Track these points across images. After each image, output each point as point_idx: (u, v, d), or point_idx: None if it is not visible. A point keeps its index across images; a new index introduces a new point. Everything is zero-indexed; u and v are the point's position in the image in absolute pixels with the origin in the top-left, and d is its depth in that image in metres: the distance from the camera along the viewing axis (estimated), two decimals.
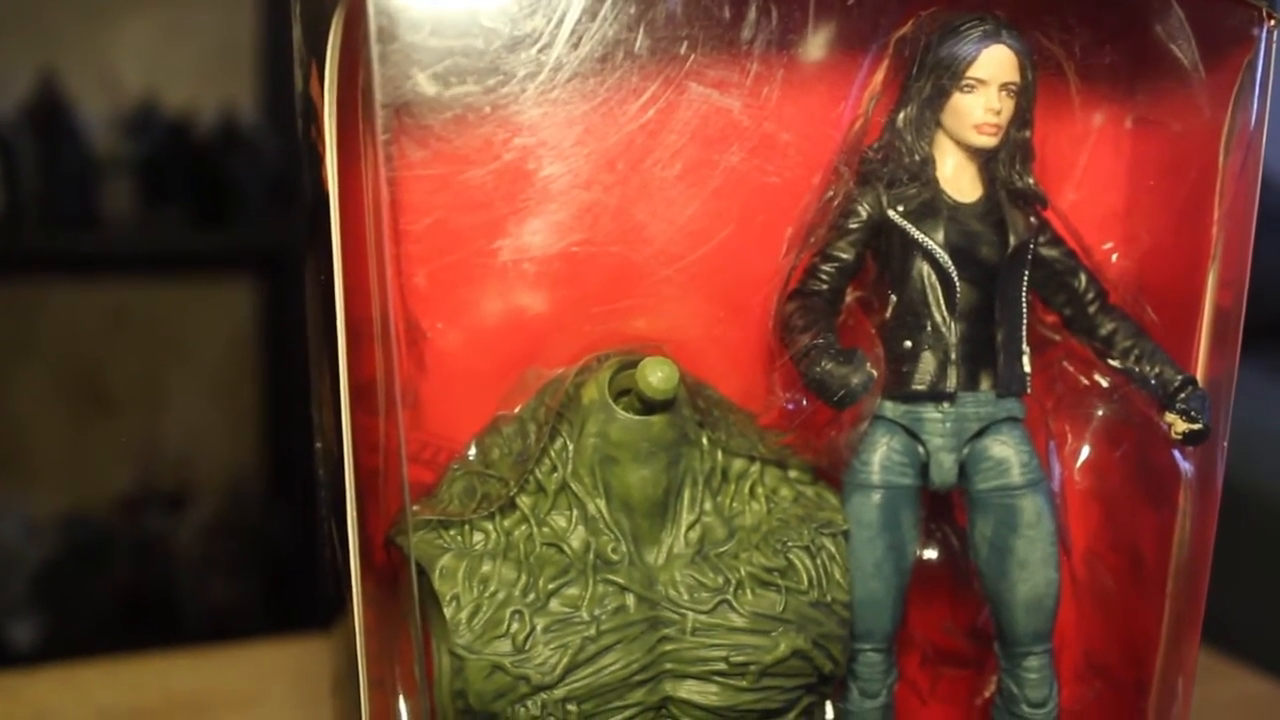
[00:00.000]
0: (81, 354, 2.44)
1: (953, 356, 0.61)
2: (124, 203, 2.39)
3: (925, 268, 0.61)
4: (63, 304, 2.42)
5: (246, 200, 2.39)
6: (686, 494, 0.59)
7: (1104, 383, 0.66)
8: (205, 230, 2.40)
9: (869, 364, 0.58)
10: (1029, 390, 0.63)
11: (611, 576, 0.57)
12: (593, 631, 0.56)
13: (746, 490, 0.61)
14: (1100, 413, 0.66)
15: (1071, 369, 0.66)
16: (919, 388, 0.61)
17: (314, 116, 0.56)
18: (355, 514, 0.57)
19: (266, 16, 2.46)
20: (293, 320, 2.37)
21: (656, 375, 0.56)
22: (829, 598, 0.60)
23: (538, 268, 0.57)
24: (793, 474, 0.62)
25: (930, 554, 0.66)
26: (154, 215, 2.40)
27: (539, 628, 0.56)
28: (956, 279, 0.61)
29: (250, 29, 2.47)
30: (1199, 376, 0.64)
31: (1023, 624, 0.63)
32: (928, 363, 0.61)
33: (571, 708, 0.56)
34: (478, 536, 0.58)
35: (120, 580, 2.35)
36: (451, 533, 0.58)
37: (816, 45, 0.58)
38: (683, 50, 0.55)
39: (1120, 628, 0.70)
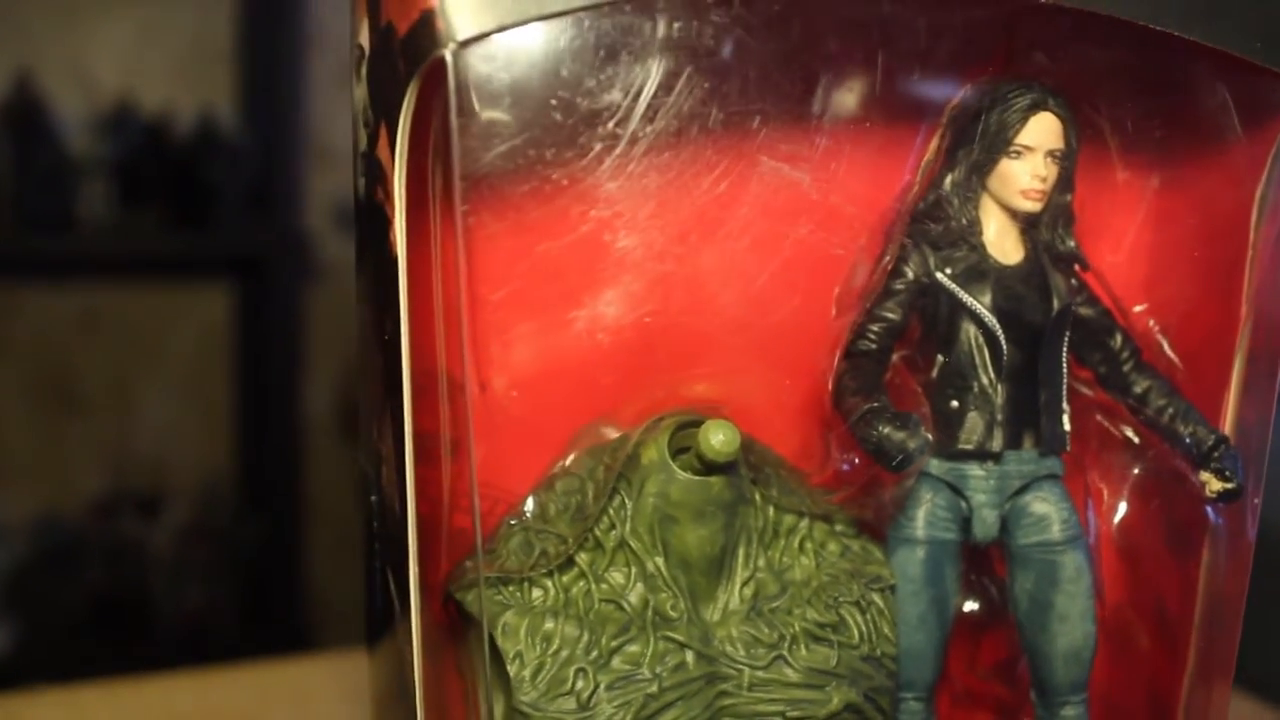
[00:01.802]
0: (54, 356, 2.42)
1: (999, 418, 0.63)
2: (99, 204, 2.38)
3: (973, 330, 0.63)
4: (35, 306, 2.40)
5: (222, 203, 2.38)
6: (741, 551, 0.61)
7: (1136, 439, 0.67)
8: (180, 233, 2.39)
9: (924, 428, 0.59)
10: (1068, 449, 0.65)
11: (671, 634, 0.58)
12: (655, 689, 0.57)
13: (796, 545, 0.62)
14: (1135, 470, 0.68)
15: (1107, 424, 0.67)
16: (966, 447, 0.63)
17: (380, 179, 0.56)
18: (417, 571, 0.58)
19: (244, 18, 2.45)
20: (267, 324, 2.36)
21: (718, 438, 0.57)
22: (878, 651, 0.61)
23: (611, 338, 0.58)
24: (839, 528, 0.64)
25: (971, 605, 0.67)
26: (129, 217, 2.38)
27: (602, 685, 0.57)
28: (1004, 341, 0.62)
29: (227, 30, 2.46)
30: (1229, 433, 0.66)
31: (1061, 675, 0.65)
32: (974, 423, 0.63)
33: None
34: (536, 593, 0.59)
35: (93, 584, 2.33)
36: (510, 589, 0.59)
37: (880, 118, 0.59)
38: (754, 124, 0.56)
39: (1144, 680, 0.72)
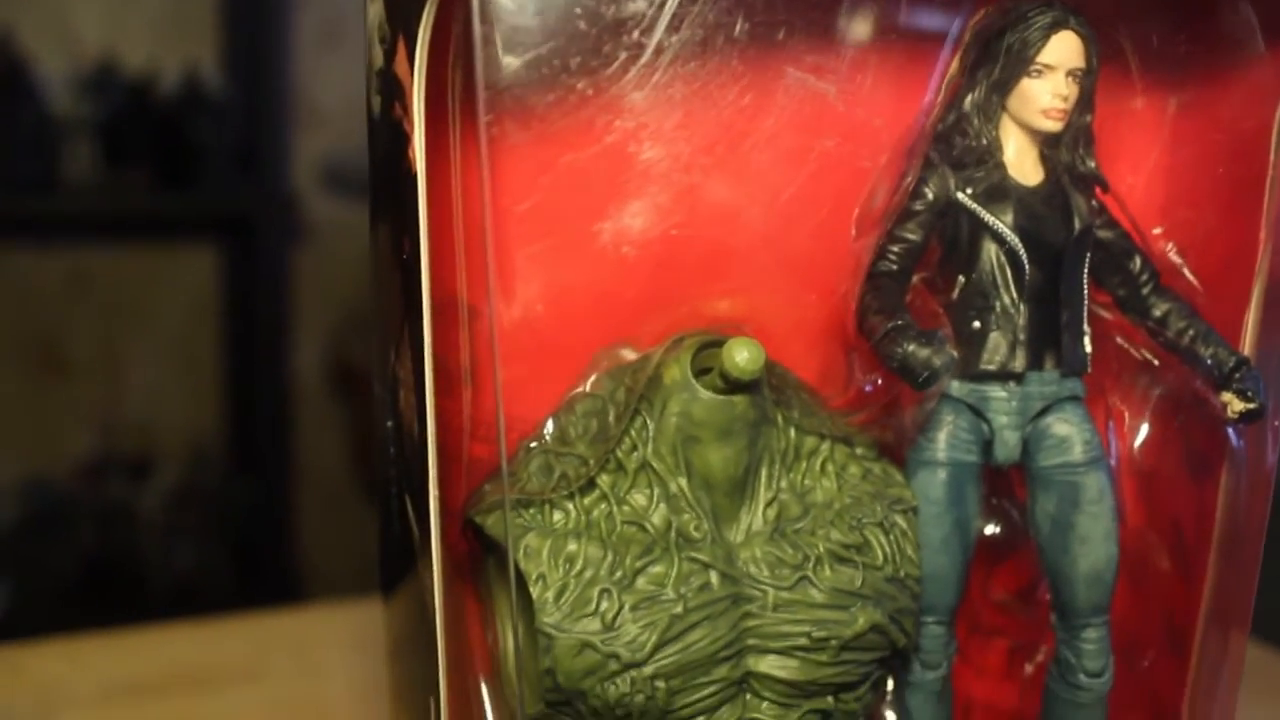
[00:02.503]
0: (41, 319, 2.40)
1: (1021, 338, 0.62)
2: (83, 165, 2.35)
3: (994, 249, 0.62)
4: (21, 268, 2.38)
5: (208, 163, 2.36)
6: (764, 471, 0.60)
7: (1156, 362, 0.67)
8: (166, 193, 2.37)
9: (949, 345, 0.59)
10: (1089, 370, 0.64)
11: (695, 554, 0.58)
12: (680, 609, 0.57)
13: (818, 467, 0.62)
14: (1155, 394, 0.68)
15: (1127, 347, 0.67)
16: (988, 368, 0.62)
17: (398, 94, 0.55)
18: (437, 494, 0.57)
19: None
20: (255, 285, 2.35)
21: (743, 355, 0.56)
22: (902, 573, 0.61)
23: (637, 251, 0.57)
24: (859, 451, 0.63)
25: (991, 529, 0.67)
26: (114, 178, 2.36)
27: (627, 606, 0.56)
28: (1026, 261, 0.62)
29: None
30: (1249, 355, 0.66)
31: (1083, 597, 0.65)
32: (997, 343, 0.62)
33: (660, 684, 0.56)
34: (557, 516, 0.59)
35: (83, 547, 2.32)
36: (531, 511, 0.59)
37: (908, 32, 0.58)
38: (780, 35, 0.56)
39: (1160, 612, 0.72)
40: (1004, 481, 0.67)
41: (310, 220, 2.46)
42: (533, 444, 0.61)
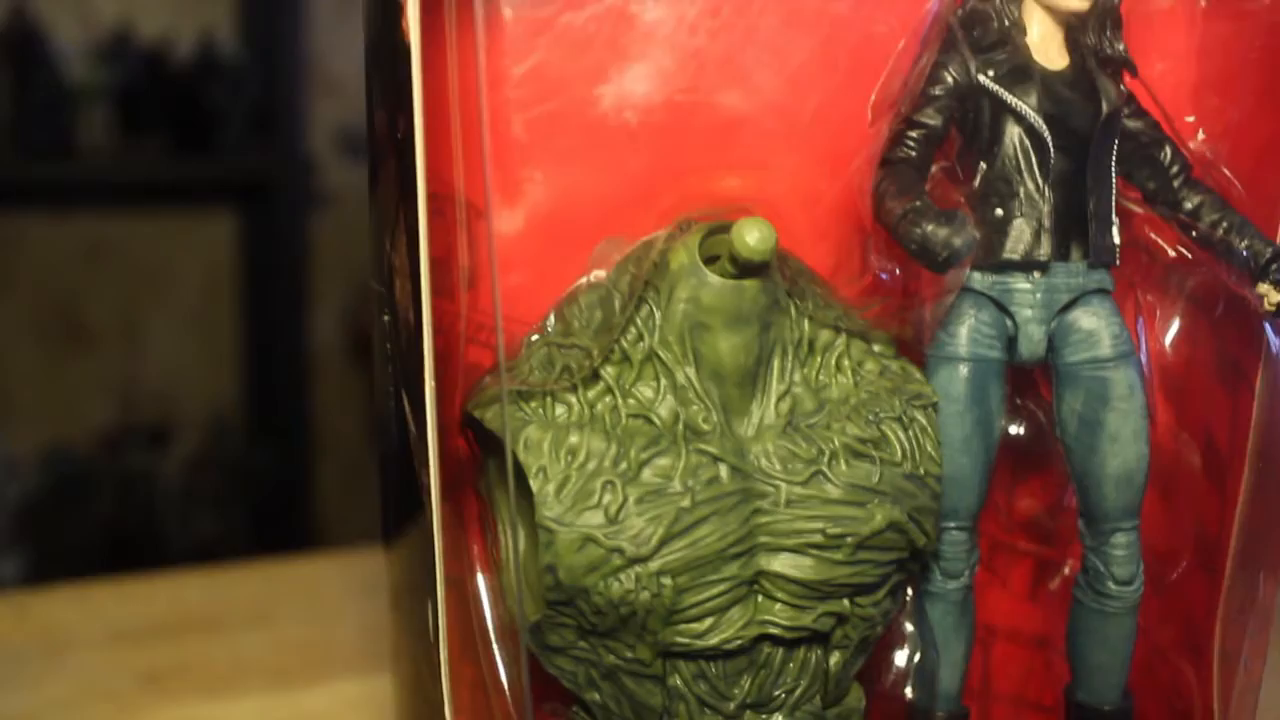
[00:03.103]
0: (59, 287, 2.39)
1: (1046, 225, 0.59)
2: (100, 132, 2.34)
3: (1017, 133, 0.59)
4: (40, 238, 2.37)
5: (225, 129, 2.35)
6: (776, 363, 0.57)
7: (1189, 255, 0.64)
8: (183, 159, 2.35)
9: (970, 225, 0.56)
10: (1118, 262, 0.61)
11: (703, 446, 0.55)
12: (687, 503, 0.54)
13: (833, 363, 0.59)
14: (1186, 291, 0.65)
15: (1158, 240, 0.64)
16: (1011, 256, 0.60)
17: None
18: (433, 385, 0.54)
19: None
20: (272, 251, 2.34)
21: (754, 235, 0.53)
22: (922, 470, 0.58)
23: (640, 116, 0.54)
24: (877, 348, 0.61)
25: (1016, 429, 0.64)
26: (131, 144, 2.35)
27: (631, 499, 0.54)
28: (1051, 145, 0.59)
29: None
30: None
31: (1112, 499, 0.62)
32: (1020, 230, 0.60)
33: (666, 581, 0.54)
34: (560, 409, 0.56)
35: (103, 515, 2.31)
36: (533, 404, 0.56)
37: None
38: None
39: (1191, 518, 0.69)
40: (1029, 382, 0.64)
41: (328, 187, 2.45)
42: (534, 337, 0.58)
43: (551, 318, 0.58)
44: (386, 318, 0.59)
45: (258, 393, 2.46)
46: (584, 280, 0.58)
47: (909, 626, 0.64)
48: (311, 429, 2.46)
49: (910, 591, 0.63)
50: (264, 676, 0.97)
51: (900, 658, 0.64)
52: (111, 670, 0.97)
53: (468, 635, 0.60)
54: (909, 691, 0.64)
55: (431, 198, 0.55)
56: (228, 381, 2.48)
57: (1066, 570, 0.68)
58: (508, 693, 0.59)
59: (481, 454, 0.60)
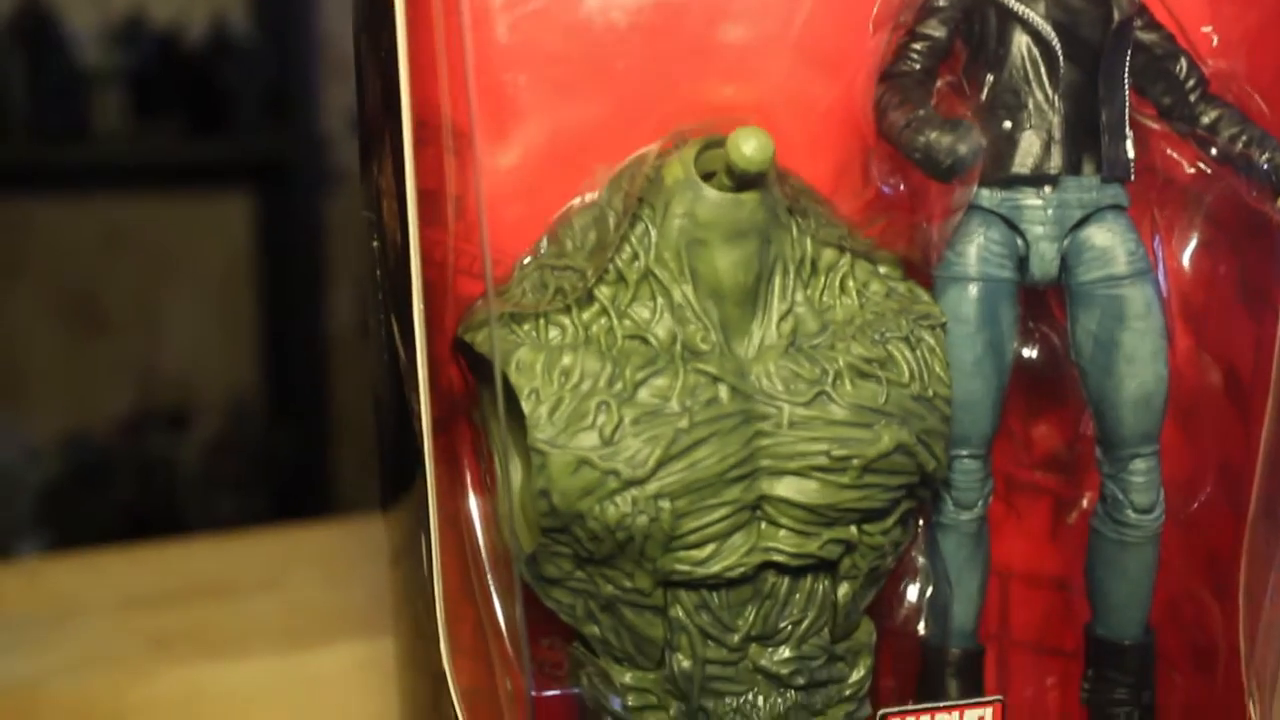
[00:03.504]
0: (75, 272, 2.39)
1: (1056, 136, 0.57)
2: (114, 115, 2.34)
3: (1025, 43, 0.57)
4: (54, 222, 2.37)
5: (239, 109, 2.34)
6: (777, 282, 0.55)
7: (1209, 171, 0.62)
8: (197, 141, 2.35)
9: (976, 132, 0.54)
10: (1133, 176, 0.59)
11: (702, 366, 0.53)
12: (685, 423, 0.52)
13: (837, 283, 0.57)
14: (1203, 210, 0.62)
15: (1174, 155, 0.62)
16: (1020, 170, 0.57)
17: None
18: (421, 308, 0.53)
19: None
20: (289, 232, 2.33)
21: (750, 144, 0.51)
22: (930, 391, 0.56)
23: (628, 18, 0.52)
24: (883, 269, 0.58)
25: (1029, 353, 0.62)
26: (145, 128, 2.34)
27: (627, 419, 0.52)
28: (1060, 54, 0.57)
29: None
30: None
31: (1130, 423, 0.59)
32: (1030, 142, 0.57)
33: (664, 504, 0.52)
34: (553, 332, 0.54)
35: (124, 500, 2.31)
36: (525, 327, 0.54)
37: None
38: None
39: (1213, 448, 0.67)
40: (1042, 305, 0.62)
41: (343, 168, 2.43)
42: (526, 260, 0.56)
43: (545, 240, 0.56)
44: (375, 244, 0.58)
45: (277, 375, 2.46)
46: (577, 201, 0.56)
47: (921, 560, 0.62)
48: (331, 411, 2.46)
49: (922, 524, 0.61)
50: (273, 639, 0.96)
51: (912, 592, 0.62)
52: (120, 635, 0.96)
53: (466, 576, 0.59)
54: (921, 627, 0.62)
55: (419, 127, 0.53)
56: (246, 364, 2.47)
57: (1085, 503, 0.66)
58: (504, 629, 0.58)
59: (475, 383, 0.58)
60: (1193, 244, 0.63)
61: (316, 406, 2.42)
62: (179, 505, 2.34)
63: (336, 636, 0.94)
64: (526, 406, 0.52)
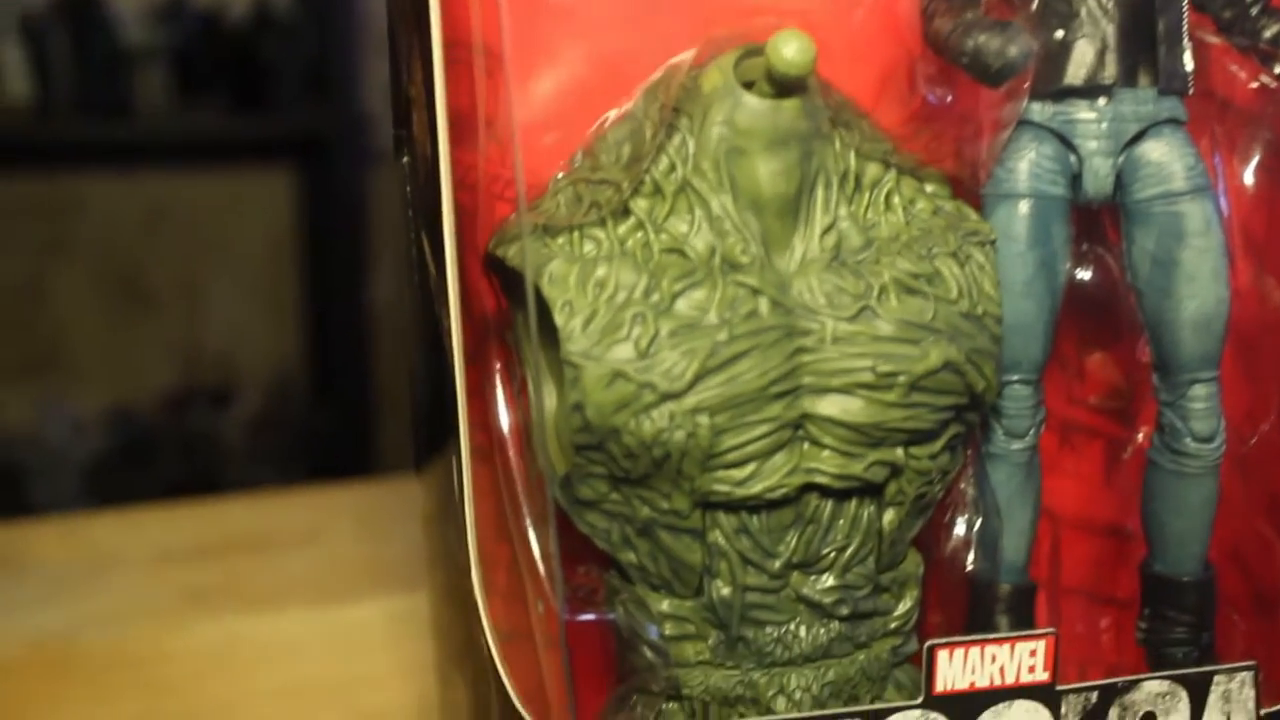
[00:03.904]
0: (120, 249, 2.40)
1: (1110, 45, 0.55)
2: (157, 93, 2.34)
3: None
4: (99, 198, 2.38)
5: (281, 85, 2.34)
6: (820, 194, 0.53)
7: (1271, 87, 0.59)
8: (241, 118, 2.35)
9: (1026, 35, 0.52)
10: (1191, 89, 0.57)
11: (742, 279, 0.51)
12: (724, 336, 0.50)
13: (882, 199, 0.55)
14: (1267, 132, 0.60)
15: (1236, 71, 0.59)
16: (1073, 81, 0.55)
17: None
18: (452, 221, 0.51)
19: None
20: (332, 208, 2.33)
21: (791, 47, 0.49)
22: (980, 309, 0.54)
23: None
24: (930, 188, 0.56)
25: (1082, 275, 0.59)
26: (189, 104, 2.34)
27: (664, 331, 0.50)
28: None
29: None
30: None
31: (1189, 346, 0.57)
32: (1083, 52, 0.55)
33: (702, 419, 0.50)
34: (588, 246, 0.52)
35: (168, 476, 2.32)
36: (559, 241, 0.53)
37: None
38: None
39: (1275, 371, 0.64)
40: (1096, 226, 0.59)
41: (385, 144, 2.43)
42: (560, 176, 0.55)
43: (579, 155, 0.55)
44: (406, 159, 0.56)
45: (319, 352, 2.46)
46: (613, 113, 0.54)
47: (970, 492, 0.60)
48: (373, 387, 2.45)
49: (970, 453, 0.59)
50: (308, 593, 0.95)
51: (961, 525, 0.60)
52: (155, 588, 0.96)
53: (500, 516, 0.57)
54: (970, 561, 0.60)
55: (449, 46, 0.52)
56: (289, 341, 2.47)
57: (1140, 438, 0.63)
58: (539, 560, 0.56)
59: (509, 305, 0.56)
60: (1254, 160, 0.60)
61: (358, 382, 2.42)
62: (222, 481, 2.34)
63: (372, 590, 0.93)
64: (559, 319, 0.50)
